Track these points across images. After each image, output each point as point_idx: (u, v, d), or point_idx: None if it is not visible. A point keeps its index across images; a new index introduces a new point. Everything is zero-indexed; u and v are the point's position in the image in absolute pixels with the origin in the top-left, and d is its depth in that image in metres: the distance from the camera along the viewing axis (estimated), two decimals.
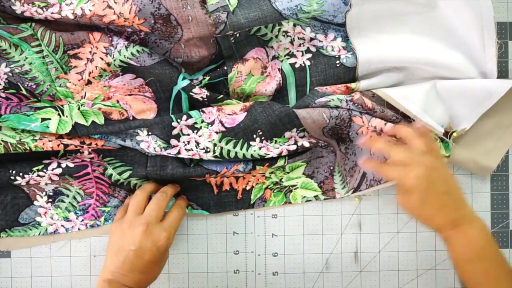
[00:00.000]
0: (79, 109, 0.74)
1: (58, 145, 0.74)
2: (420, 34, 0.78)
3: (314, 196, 0.81)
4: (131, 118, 0.76)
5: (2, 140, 0.73)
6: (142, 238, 0.69)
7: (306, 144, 0.76)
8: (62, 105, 0.74)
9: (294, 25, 0.77)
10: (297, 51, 0.78)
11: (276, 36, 0.78)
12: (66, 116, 0.73)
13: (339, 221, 0.82)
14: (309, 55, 0.78)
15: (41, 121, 0.72)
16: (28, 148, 0.73)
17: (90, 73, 0.75)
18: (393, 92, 0.77)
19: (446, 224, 0.67)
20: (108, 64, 0.74)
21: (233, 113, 0.75)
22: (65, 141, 0.74)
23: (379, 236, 0.83)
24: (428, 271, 0.83)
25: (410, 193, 0.66)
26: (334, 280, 0.82)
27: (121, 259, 0.69)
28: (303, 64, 0.78)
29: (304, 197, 0.81)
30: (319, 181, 0.81)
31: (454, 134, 0.78)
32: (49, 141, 0.74)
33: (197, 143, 0.75)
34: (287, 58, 0.78)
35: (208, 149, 0.75)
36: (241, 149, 0.75)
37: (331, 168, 0.80)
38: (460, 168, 0.82)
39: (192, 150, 0.75)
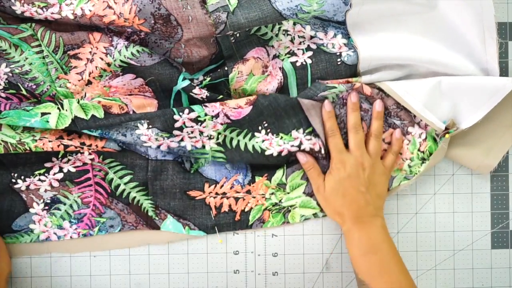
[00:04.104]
0: (78, 102, 0.74)
1: (58, 146, 0.74)
2: (421, 34, 0.78)
3: (313, 214, 0.81)
4: (131, 112, 0.75)
5: (2, 140, 0.73)
6: None
7: (308, 148, 0.76)
8: (62, 100, 0.74)
9: (294, 24, 0.77)
10: (298, 49, 0.78)
11: (276, 35, 0.78)
12: (66, 110, 0.73)
13: None
14: (310, 53, 0.78)
15: (41, 116, 0.72)
16: (28, 149, 0.73)
17: (90, 73, 0.75)
18: (397, 86, 0.77)
19: (349, 218, 0.74)
20: (108, 64, 0.74)
21: (238, 106, 0.75)
22: (65, 141, 0.74)
23: None
24: (428, 271, 0.83)
25: (333, 176, 0.74)
26: (334, 280, 0.82)
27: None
28: (304, 63, 0.78)
29: (303, 215, 0.80)
30: None
31: (447, 136, 0.77)
32: (49, 141, 0.74)
33: (201, 132, 0.75)
34: (288, 57, 0.78)
35: (212, 137, 0.75)
36: (244, 138, 0.75)
37: None
38: (462, 167, 0.82)
39: (196, 138, 0.75)
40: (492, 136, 0.80)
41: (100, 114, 0.73)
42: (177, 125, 0.74)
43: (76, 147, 0.75)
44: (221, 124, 0.75)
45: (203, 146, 0.75)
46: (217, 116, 0.74)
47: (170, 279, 0.81)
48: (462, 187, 0.83)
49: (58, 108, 0.73)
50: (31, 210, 0.78)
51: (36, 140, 0.73)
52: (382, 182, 0.76)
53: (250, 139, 0.76)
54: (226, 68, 0.77)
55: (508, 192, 0.83)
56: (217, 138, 0.75)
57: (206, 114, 0.74)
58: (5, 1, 0.71)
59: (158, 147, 0.75)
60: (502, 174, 0.83)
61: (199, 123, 0.74)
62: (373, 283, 0.71)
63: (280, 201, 0.80)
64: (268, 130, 0.76)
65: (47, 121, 0.72)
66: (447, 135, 0.77)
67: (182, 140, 0.75)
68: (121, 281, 0.80)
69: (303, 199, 0.80)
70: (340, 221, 0.76)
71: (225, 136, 0.75)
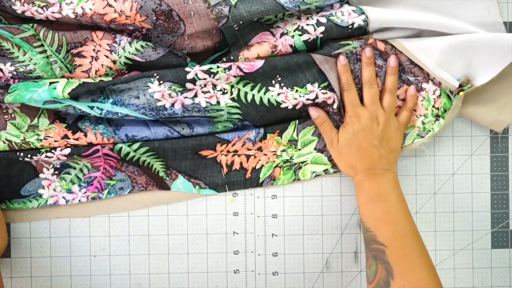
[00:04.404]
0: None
1: (65, 145, 0.74)
2: (426, 7, 0.78)
3: (324, 170, 0.81)
4: None
5: (6, 139, 0.73)
6: None
7: (321, 100, 0.76)
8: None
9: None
10: (307, 24, 0.76)
11: (281, 19, 0.78)
12: (74, 79, 0.72)
13: (339, 221, 0.82)
14: (322, 29, 0.76)
15: (49, 85, 0.71)
16: (34, 148, 0.73)
17: (96, 71, 0.75)
18: (409, 44, 0.77)
19: (361, 170, 0.75)
20: (114, 62, 0.74)
21: (251, 60, 0.75)
22: (72, 141, 0.74)
23: None
24: None
25: (347, 129, 0.75)
26: (334, 280, 0.82)
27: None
28: (316, 38, 0.76)
29: (313, 172, 0.80)
30: (330, 155, 0.80)
31: (461, 93, 0.77)
32: (55, 141, 0.74)
33: (214, 86, 0.74)
34: (299, 35, 0.76)
35: (226, 91, 0.75)
36: (258, 92, 0.75)
37: None
38: (462, 166, 0.82)
39: (209, 92, 0.74)
40: (506, 93, 0.80)
41: (108, 79, 0.73)
42: (189, 76, 0.73)
43: (83, 146, 0.75)
44: (234, 76, 0.74)
45: (218, 103, 0.75)
46: (229, 68, 0.74)
47: (170, 279, 0.81)
48: (462, 186, 0.83)
49: (67, 78, 0.72)
50: (41, 175, 0.77)
51: (41, 140, 0.73)
52: (396, 137, 0.77)
53: (264, 93, 0.75)
54: (232, 58, 0.77)
55: (508, 192, 0.83)
56: (231, 93, 0.75)
57: (218, 67, 0.73)
58: (5, 0, 0.71)
59: (172, 105, 0.73)
60: (502, 174, 0.83)
61: (212, 75, 0.74)
62: (378, 230, 0.71)
63: (291, 158, 0.80)
64: (282, 84, 0.75)
65: (54, 88, 0.71)
66: (461, 93, 0.77)
67: (195, 96, 0.74)
68: (121, 281, 0.80)
69: (314, 155, 0.80)
70: (352, 174, 0.76)
71: (239, 90, 0.75)
